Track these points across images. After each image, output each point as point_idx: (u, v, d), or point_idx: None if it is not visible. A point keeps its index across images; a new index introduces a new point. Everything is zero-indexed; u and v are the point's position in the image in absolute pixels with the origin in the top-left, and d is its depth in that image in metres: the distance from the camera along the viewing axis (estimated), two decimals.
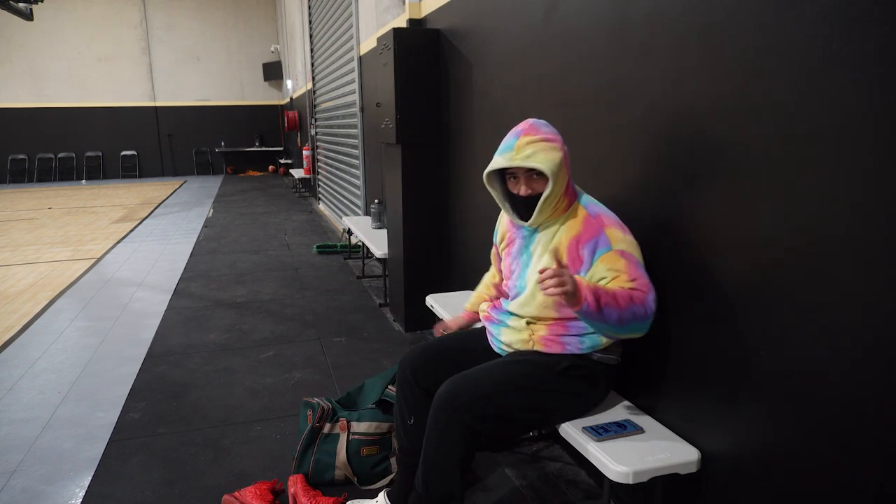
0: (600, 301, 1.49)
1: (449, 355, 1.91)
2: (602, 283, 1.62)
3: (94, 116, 15.11)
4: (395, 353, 3.40)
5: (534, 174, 1.68)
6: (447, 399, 1.64)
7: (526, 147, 1.64)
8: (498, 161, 1.69)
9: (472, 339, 1.96)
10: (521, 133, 1.67)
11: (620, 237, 1.65)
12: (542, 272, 1.46)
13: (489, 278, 2.17)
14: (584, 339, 1.72)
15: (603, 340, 1.72)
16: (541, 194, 1.68)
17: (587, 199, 1.76)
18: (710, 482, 1.57)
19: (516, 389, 1.68)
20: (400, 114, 3.40)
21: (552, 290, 1.43)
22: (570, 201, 1.73)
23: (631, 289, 1.58)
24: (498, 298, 1.98)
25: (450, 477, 1.66)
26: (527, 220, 1.74)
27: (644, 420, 1.75)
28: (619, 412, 1.79)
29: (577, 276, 1.51)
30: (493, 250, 2.10)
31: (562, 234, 1.71)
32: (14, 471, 2.28)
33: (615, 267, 1.61)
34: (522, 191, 1.71)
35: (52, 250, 6.44)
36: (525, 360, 1.74)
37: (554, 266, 1.47)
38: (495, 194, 1.79)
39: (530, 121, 1.72)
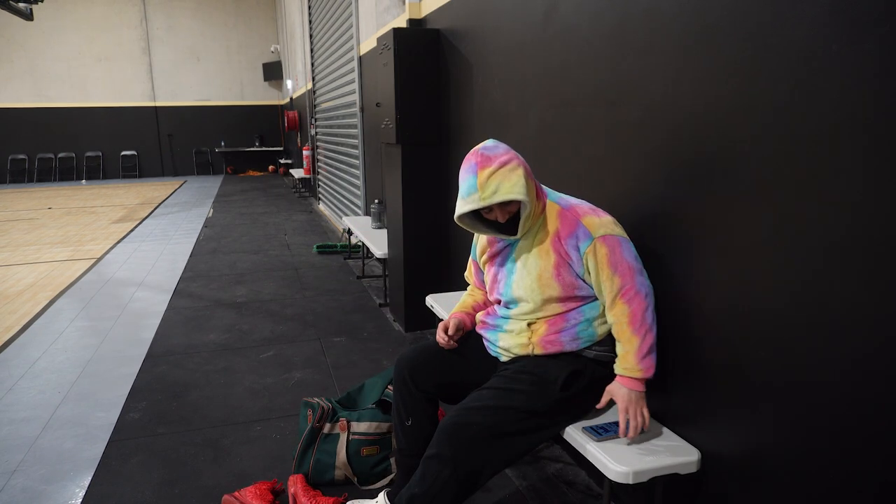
0: (647, 359, 1.62)
1: (446, 356, 1.91)
2: (604, 288, 1.66)
3: (94, 116, 15.11)
4: (395, 353, 3.40)
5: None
6: (455, 431, 1.61)
7: (489, 183, 1.62)
8: (467, 205, 1.66)
9: (468, 341, 1.96)
10: (477, 168, 1.64)
11: (597, 222, 1.68)
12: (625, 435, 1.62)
13: (469, 298, 2.08)
14: (580, 333, 1.74)
15: (598, 332, 1.74)
16: (519, 211, 1.70)
17: (556, 195, 1.80)
18: (710, 482, 1.57)
19: (519, 413, 1.64)
20: (400, 114, 3.40)
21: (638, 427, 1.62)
22: (543, 203, 1.76)
23: (626, 299, 1.64)
24: (487, 306, 2.00)
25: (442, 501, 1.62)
26: (512, 234, 1.76)
27: None
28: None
29: (630, 393, 1.63)
30: (471, 268, 2.08)
31: (542, 235, 1.74)
32: (14, 471, 2.28)
33: (604, 264, 1.65)
34: (501, 218, 1.71)
35: (52, 250, 6.44)
36: (525, 379, 1.70)
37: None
38: (469, 228, 1.78)
39: (478, 151, 1.68)
